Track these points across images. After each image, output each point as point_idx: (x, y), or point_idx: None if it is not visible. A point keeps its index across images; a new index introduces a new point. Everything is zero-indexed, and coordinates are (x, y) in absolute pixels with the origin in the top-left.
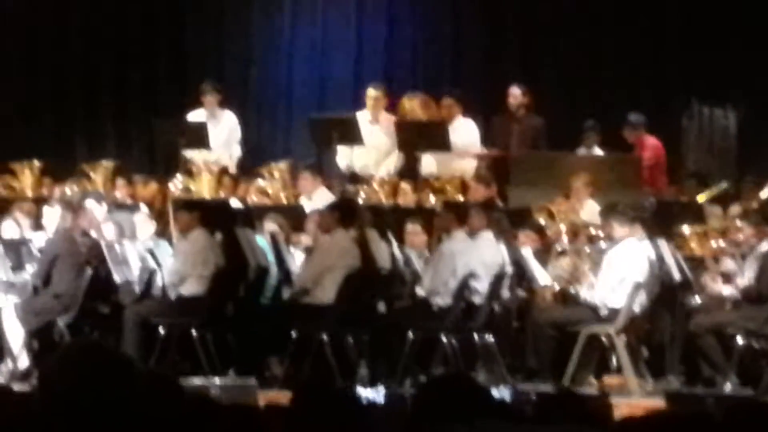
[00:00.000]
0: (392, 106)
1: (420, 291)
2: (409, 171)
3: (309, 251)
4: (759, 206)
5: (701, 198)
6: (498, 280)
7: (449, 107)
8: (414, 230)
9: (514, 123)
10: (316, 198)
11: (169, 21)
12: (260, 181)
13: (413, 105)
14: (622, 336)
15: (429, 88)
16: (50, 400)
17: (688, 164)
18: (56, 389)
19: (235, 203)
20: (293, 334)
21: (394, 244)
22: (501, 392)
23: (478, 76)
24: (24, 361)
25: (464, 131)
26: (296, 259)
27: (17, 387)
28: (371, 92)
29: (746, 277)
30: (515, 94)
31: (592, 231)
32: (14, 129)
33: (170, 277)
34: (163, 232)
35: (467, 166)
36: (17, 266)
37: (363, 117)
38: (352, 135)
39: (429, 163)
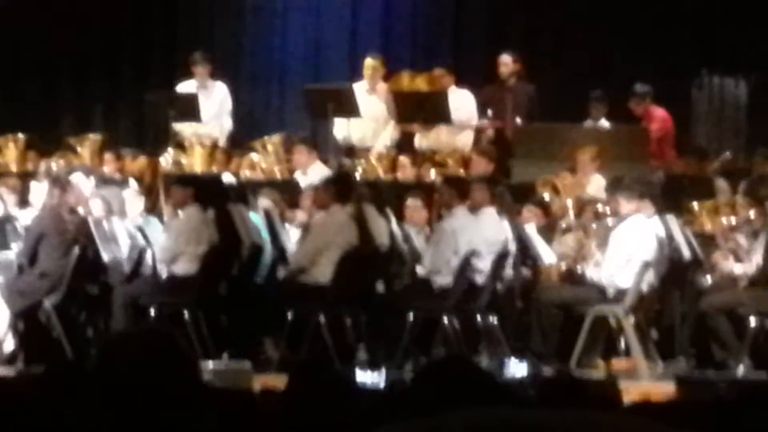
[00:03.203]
0: (389, 77)
1: (420, 270)
2: (407, 144)
3: (304, 228)
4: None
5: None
6: (501, 258)
7: (441, 78)
8: (414, 205)
9: (506, 92)
10: (312, 173)
11: None
12: (253, 156)
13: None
14: (630, 317)
15: (427, 59)
16: (108, 375)
17: (697, 137)
18: (117, 367)
19: (227, 178)
20: (289, 314)
21: (393, 220)
22: (515, 367)
23: (479, 46)
24: (9, 344)
25: (458, 102)
26: (291, 236)
27: (2, 371)
28: (369, 62)
29: (755, 257)
30: (506, 61)
31: (599, 207)
32: None
33: (162, 255)
34: (152, 209)
35: (464, 139)
36: (1, 244)
37: (360, 87)
38: (348, 106)
39: (423, 135)
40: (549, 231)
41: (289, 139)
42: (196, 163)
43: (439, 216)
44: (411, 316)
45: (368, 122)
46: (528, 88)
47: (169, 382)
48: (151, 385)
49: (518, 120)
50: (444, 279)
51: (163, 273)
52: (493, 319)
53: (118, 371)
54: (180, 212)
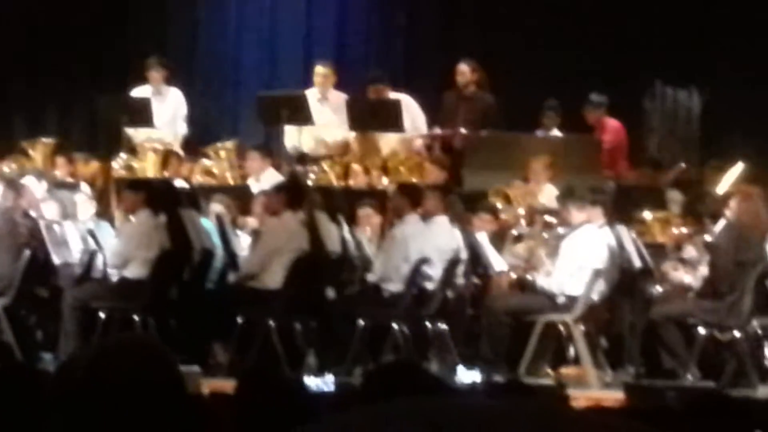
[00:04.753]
0: (343, 83)
1: (371, 277)
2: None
3: (256, 234)
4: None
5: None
6: (452, 265)
7: (378, 92)
8: (366, 214)
9: (462, 101)
10: (264, 179)
11: None
12: (206, 161)
13: None
14: (579, 325)
15: (382, 65)
16: (98, 384)
17: (650, 148)
18: (109, 376)
19: (180, 183)
20: (239, 319)
21: (345, 227)
22: (465, 374)
23: (433, 53)
24: None
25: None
26: (243, 241)
27: None
28: (319, 69)
29: (701, 269)
30: (463, 71)
31: (547, 217)
32: None
33: (113, 260)
34: (104, 213)
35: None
36: None
37: (312, 95)
38: (301, 114)
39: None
40: (500, 239)
41: (242, 146)
42: (148, 167)
43: (391, 223)
44: (361, 322)
45: (319, 130)
46: (486, 97)
47: (159, 394)
48: (143, 397)
49: (462, 129)
50: (394, 286)
51: (114, 277)
52: (443, 326)
53: (111, 381)
54: (131, 217)
